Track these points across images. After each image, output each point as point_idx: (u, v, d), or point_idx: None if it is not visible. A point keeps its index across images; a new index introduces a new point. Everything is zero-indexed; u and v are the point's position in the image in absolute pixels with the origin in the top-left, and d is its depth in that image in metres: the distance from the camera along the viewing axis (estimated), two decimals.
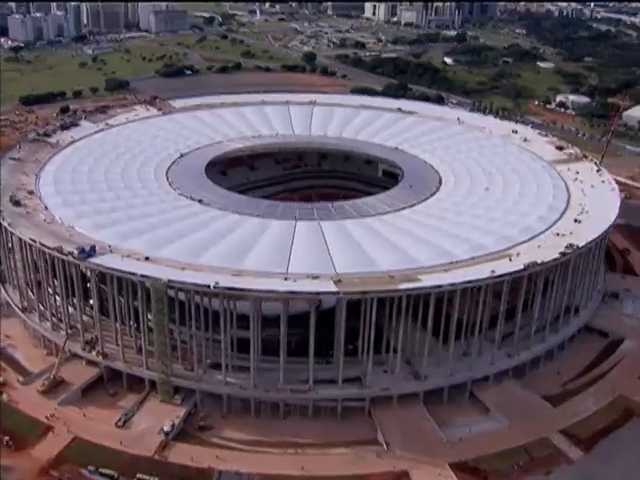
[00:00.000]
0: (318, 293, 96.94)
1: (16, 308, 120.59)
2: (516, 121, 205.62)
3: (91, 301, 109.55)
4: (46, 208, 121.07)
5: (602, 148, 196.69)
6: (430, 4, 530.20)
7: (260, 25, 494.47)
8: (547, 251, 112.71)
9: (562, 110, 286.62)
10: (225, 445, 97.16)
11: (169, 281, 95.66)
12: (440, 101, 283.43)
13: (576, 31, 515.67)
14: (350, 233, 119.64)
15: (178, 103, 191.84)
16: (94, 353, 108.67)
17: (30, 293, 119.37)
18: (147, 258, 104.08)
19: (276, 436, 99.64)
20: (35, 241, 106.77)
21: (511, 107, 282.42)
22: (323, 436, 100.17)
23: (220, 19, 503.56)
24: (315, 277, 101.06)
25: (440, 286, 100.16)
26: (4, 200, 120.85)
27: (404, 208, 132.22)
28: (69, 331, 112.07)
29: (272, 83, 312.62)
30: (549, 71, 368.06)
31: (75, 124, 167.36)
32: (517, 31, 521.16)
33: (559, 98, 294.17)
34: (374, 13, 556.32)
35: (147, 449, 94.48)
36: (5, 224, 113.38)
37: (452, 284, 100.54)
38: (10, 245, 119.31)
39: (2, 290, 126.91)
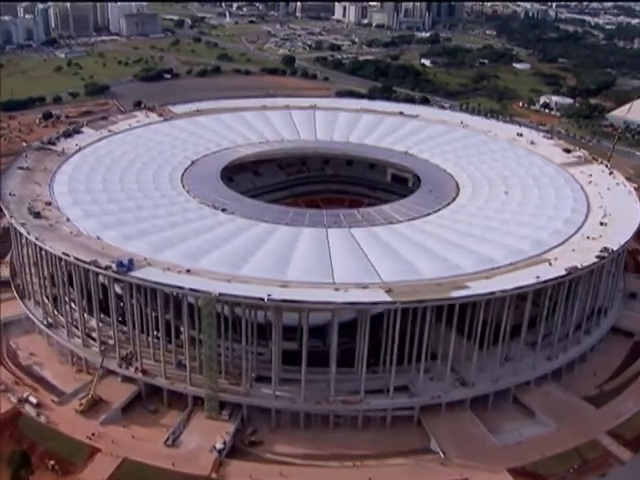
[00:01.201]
0: (375, 303, 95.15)
1: (40, 324, 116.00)
2: (519, 124, 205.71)
3: (123, 316, 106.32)
4: (68, 220, 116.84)
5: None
6: (400, 5, 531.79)
7: (231, 28, 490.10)
8: (582, 255, 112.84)
9: (547, 111, 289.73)
10: (280, 460, 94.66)
11: (220, 294, 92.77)
12: (425, 103, 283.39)
13: (545, 32, 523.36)
14: (384, 240, 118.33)
15: (178, 109, 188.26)
16: (132, 369, 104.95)
17: (57, 309, 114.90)
18: (188, 271, 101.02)
19: (329, 448, 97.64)
20: (68, 255, 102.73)
21: (498, 109, 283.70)
22: (376, 447, 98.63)
23: (189, 22, 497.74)
24: (364, 287, 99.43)
25: (493, 293, 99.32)
26: (23, 212, 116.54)
27: (429, 214, 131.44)
28: (102, 347, 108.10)
29: (254, 86, 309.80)
30: (526, 72, 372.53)
31: (78, 131, 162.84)
32: (487, 32, 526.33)
33: (543, 99, 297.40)
34: (344, 15, 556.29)
35: (202, 468, 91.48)
36: (32, 238, 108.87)
37: (504, 291, 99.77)
38: (34, 259, 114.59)
39: (23, 306, 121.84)
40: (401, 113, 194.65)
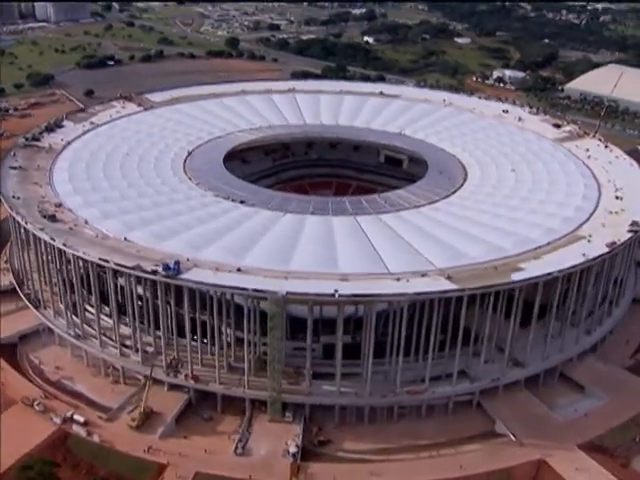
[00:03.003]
0: (446, 292, 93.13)
1: (67, 336, 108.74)
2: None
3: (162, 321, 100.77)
4: (86, 222, 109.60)
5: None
6: None
7: (161, 10, 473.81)
8: (614, 229, 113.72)
9: (501, 85, 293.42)
10: (357, 459, 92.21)
11: (287, 293, 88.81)
12: (382, 81, 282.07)
13: (476, 5, 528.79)
14: (417, 225, 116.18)
15: (155, 97, 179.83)
16: (182, 377, 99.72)
17: (85, 318, 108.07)
18: (239, 269, 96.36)
19: (399, 441, 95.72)
20: (108, 261, 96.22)
21: (454, 84, 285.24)
22: (443, 434, 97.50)
23: (117, 6, 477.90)
24: (423, 274, 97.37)
25: (550, 273, 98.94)
26: (36, 216, 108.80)
27: (448, 196, 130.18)
28: (144, 356, 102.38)
29: (203, 70, 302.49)
30: (469, 47, 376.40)
31: (59, 125, 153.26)
32: (420, 7, 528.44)
33: (496, 73, 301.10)
34: None
35: (280, 475, 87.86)
36: (58, 244, 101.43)
37: (560, 270, 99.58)
38: (58, 267, 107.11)
39: (40, 317, 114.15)
40: (381, 93, 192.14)
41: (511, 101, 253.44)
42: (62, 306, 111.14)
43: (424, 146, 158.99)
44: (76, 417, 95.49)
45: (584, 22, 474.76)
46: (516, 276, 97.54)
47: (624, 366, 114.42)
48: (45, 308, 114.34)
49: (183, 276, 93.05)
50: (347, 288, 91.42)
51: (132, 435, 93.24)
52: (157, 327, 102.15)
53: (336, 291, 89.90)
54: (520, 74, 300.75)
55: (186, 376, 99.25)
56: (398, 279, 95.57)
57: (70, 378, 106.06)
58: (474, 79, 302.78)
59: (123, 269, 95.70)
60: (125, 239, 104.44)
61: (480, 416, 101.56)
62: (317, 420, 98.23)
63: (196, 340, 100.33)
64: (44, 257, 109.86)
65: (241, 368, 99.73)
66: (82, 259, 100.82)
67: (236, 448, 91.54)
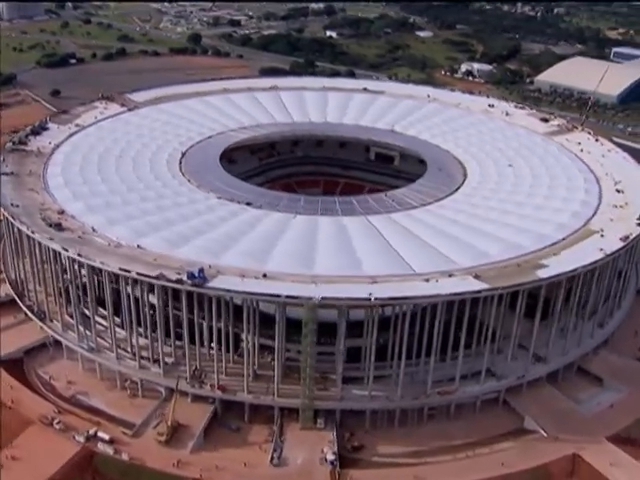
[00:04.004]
0: (479, 291, 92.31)
1: (79, 349, 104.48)
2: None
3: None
4: (94, 229, 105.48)
5: None
6: None
7: (117, 7, 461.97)
8: (623, 223, 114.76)
9: (470, 78, 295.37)
10: (394, 462, 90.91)
11: (322, 299, 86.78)
12: (352, 77, 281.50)
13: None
14: (430, 223, 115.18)
15: (137, 96, 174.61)
16: (207, 387, 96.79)
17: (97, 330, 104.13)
18: (265, 275, 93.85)
19: (432, 442, 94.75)
20: (129, 271, 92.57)
21: (424, 78, 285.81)
22: (474, 433, 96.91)
23: (70, 3, 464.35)
24: (450, 275, 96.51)
25: (575, 269, 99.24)
26: (40, 224, 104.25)
27: (452, 193, 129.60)
28: (165, 368, 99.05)
29: (168, 67, 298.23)
30: (432, 40, 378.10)
31: (44, 127, 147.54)
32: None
33: (464, 67, 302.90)
34: None
35: None
36: (72, 255, 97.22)
37: (584, 266, 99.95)
38: (72, 278, 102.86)
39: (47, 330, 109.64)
40: (365, 89, 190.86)
41: (487, 94, 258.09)
42: (69, 318, 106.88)
43: (418, 143, 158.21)
44: (100, 434, 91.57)
45: (540, 15, 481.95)
46: (542, 273, 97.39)
47: (635, 357, 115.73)
48: (52, 321, 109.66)
49: (210, 284, 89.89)
50: (380, 291, 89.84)
51: (162, 451, 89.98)
52: (178, 337, 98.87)
53: (370, 294, 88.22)
54: (488, 67, 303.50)
55: (212, 386, 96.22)
56: (427, 280, 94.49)
57: (85, 393, 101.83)
58: (443, 73, 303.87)
59: (146, 279, 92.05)
60: (139, 247, 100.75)
61: (507, 413, 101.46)
62: (347, 425, 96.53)
63: (220, 349, 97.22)
64: (53, 268, 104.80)
65: (267, 376, 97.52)
66: (97, 269, 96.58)
67: (272, 459, 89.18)
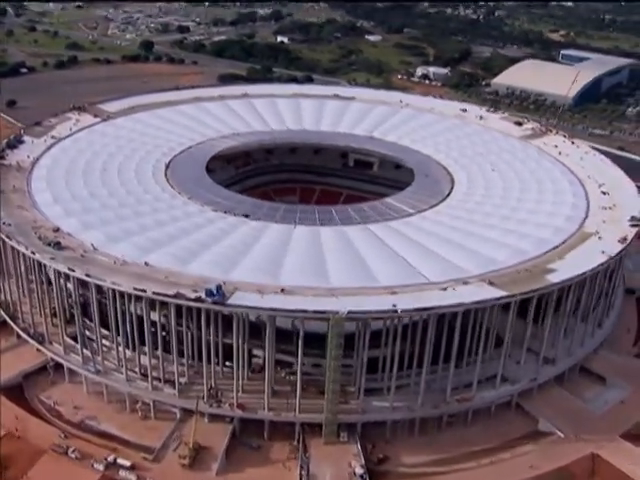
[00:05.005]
0: (499, 298, 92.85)
1: (85, 372, 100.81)
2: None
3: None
4: (94, 247, 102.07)
5: None
6: None
7: (60, 14, 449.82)
8: (616, 225, 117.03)
9: (427, 82, 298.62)
10: (420, 472, 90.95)
11: (349, 312, 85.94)
12: (309, 82, 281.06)
13: (374, 2, 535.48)
14: (429, 230, 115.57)
15: (109, 107, 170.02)
16: (226, 406, 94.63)
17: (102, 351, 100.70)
18: (283, 290, 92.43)
19: (455, 449, 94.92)
20: (144, 291, 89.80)
21: (383, 82, 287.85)
22: (493, 438, 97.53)
23: (11, 10, 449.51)
24: (465, 282, 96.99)
25: (584, 273, 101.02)
26: (37, 244, 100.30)
27: (444, 199, 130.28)
28: (180, 388, 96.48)
29: (124, 75, 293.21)
30: (383, 44, 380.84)
31: (20, 141, 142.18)
32: (321, 4, 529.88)
33: (420, 70, 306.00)
34: None
35: None
36: (81, 275, 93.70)
37: (593, 269, 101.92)
38: (76, 299, 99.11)
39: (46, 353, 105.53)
40: (336, 95, 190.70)
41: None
42: (70, 339, 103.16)
43: (400, 149, 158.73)
44: (120, 461, 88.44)
45: (482, 18, 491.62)
46: (553, 277, 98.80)
47: (632, 354, 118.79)
48: (51, 343, 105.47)
49: (230, 301, 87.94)
50: (401, 302, 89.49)
51: (186, 475, 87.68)
52: (192, 356, 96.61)
53: (395, 306, 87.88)
54: (443, 70, 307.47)
55: (231, 405, 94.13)
56: (444, 288, 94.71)
57: (94, 418, 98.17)
58: (399, 77, 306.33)
59: (163, 298, 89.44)
60: (146, 264, 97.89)
61: (520, 417, 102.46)
62: (368, 437, 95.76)
63: (236, 366, 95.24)
64: (56, 288, 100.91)
65: (284, 391, 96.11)
66: (104, 288, 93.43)
67: (300, 476, 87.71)
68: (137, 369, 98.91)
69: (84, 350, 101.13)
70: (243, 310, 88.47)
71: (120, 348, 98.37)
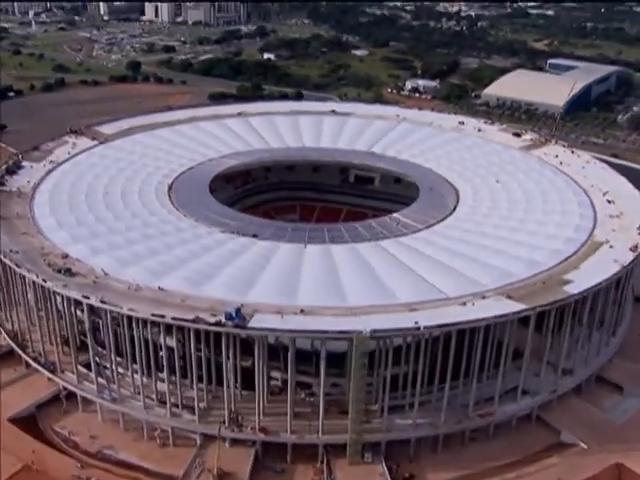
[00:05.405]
0: (520, 311, 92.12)
1: (100, 400, 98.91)
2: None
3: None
4: (105, 272, 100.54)
5: None
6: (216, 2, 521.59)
7: (43, 37, 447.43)
8: (626, 233, 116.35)
9: (417, 95, 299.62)
10: None
11: (373, 331, 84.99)
12: (300, 99, 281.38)
13: (357, 16, 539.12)
14: (440, 245, 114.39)
15: (105, 129, 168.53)
16: (248, 430, 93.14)
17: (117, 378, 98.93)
18: (302, 310, 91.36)
19: (479, 464, 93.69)
20: (163, 316, 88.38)
21: (373, 96, 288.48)
22: (516, 452, 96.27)
23: None
24: (483, 297, 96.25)
25: (600, 283, 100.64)
26: (49, 272, 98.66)
27: (451, 213, 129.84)
28: (201, 413, 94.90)
29: (114, 96, 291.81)
30: (371, 58, 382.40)
31: (19, 166, 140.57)
32: (305, 21, 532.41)
33: (409, 84, 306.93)
34: (156, 14, 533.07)
35: None
36: (96, 302, 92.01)
37: (607, 279, 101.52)
38: (90, 326, 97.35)
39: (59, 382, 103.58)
40: (333, 111, 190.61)
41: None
42: (83, 368, 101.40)
43: (402, 164, 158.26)
44: None
45: (466, 29, 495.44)
46: (571, 288, 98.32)
47: None
48: (63, 372, 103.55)
49: (251, 324, 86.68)
50: (423, 318, 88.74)
51: None
52: (210, 381, 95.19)
53: (417, 323, 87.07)
54: (432, 83, 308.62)
55: (253, 429, 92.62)
56: (464, 303, 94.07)
57: (111, 447, 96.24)
58: (389, 90, 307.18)
59: (182, 323, 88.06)
60: (160, 288, 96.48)
61: (541, 429, 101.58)
62: (392, 456, 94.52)
63: (255, 389, 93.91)
64: (67, 316, 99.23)
65: (304, 413, 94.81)
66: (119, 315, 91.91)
67: None
68: (154, 395, 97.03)
69: (99, 378, 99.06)
70: (265, 333, 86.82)
71: (136, 375, 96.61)
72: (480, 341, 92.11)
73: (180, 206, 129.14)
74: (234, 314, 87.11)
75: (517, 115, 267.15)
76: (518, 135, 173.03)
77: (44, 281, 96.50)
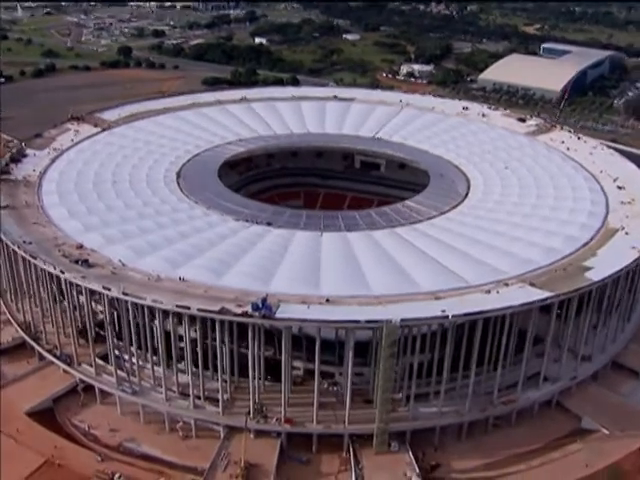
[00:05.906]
0: (545, 299, 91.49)
1: (120, 393, 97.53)
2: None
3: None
4: (122, 263, 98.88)
5: None
6: None
7: (30, 22, 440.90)
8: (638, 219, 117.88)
9: (412, 79, 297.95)
10: (476, 477, 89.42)
11: (402, 320, 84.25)
12: (296, 84, 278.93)
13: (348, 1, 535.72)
14: (456, 231, 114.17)
15: (107, 115, 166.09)
16: (274, 422, 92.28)
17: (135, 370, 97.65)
18: (328, 300, 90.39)
19: (503, 451, 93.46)
20: (188, 308, 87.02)
21: (369, 81, 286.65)
22: (539, 438, 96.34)
23: None
24: (506, 284, 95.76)
25: (621, 270, 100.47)
26: (67, 263, 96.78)
27: (463, 200, 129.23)
28: (225, 404, 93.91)
29: (107, 82, 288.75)
30: (362, 43, 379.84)
31: (23, 154, 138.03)
32: (295, 5, 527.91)
33: (405, 68, 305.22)
34: None
35: None
36: (116, 294, 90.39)
37: (627, 265, 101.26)
38: (108, 317, 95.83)
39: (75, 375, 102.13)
40: (335, 97, 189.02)
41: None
42: (101, 360, 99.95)
43: (409, 150, 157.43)
44: None
45: (456, 14, 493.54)
46: (592, 275, 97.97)
47: None
48: (80, 364, 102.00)
49: (279, 314, 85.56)
50: (449, 306, 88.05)
51: None
52: (233, 372, 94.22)
53: (444, 311, 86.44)
54: (428, 68, 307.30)
55: (278, 420, 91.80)
56: (488, 291, 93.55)
57: (133, 440, 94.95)
58: (384, 75, 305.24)
59: (208, 314, 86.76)
60: (181, 279, 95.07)
61: (562, 415, 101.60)
62: (417, 444, 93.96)
63: (281, 380, 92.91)
64: (87, 307, 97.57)
65: (329, 403, 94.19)
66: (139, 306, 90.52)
67: None
68: (175, 387, 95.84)
69: (118, 371, 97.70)
70: (294, 323, 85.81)
71: (157, 367, 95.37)
72: (506, 328, 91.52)
73: (190, 194, 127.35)
74: (260, 305, 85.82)
75: (514, 100, 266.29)
76: (523, 120, 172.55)
77: (62, 272, 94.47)
